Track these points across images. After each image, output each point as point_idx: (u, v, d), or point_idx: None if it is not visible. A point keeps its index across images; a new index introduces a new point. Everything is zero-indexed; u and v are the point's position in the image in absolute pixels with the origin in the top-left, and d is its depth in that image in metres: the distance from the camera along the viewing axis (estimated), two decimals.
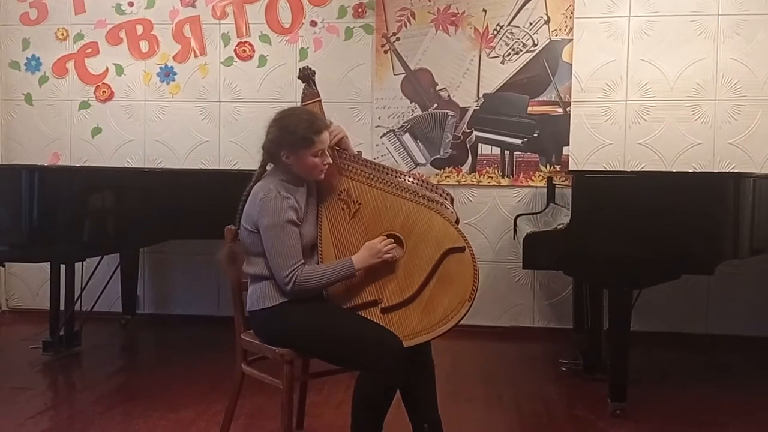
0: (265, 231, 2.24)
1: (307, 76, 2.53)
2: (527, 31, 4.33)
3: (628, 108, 4.29)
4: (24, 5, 4.72)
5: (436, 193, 2.39)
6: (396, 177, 2.42)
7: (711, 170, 4.18)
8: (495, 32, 4.36)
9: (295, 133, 2.27)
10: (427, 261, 2.28)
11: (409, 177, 2.44)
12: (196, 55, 4.61)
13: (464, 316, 2.23)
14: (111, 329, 4.40)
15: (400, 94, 4.45)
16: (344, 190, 2.42)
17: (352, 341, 2.19)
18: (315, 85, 2.54)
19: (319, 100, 2.52)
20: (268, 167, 2.41)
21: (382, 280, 2.29)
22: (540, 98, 4.34)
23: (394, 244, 2.29)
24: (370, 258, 2.27)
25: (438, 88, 4.42)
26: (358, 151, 2.51)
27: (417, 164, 4.45)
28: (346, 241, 2.36)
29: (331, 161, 2.36)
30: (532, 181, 4.37)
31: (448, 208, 2.36)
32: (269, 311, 2.29)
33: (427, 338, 2.23)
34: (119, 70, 4.67)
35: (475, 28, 4.37)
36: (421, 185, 2.41)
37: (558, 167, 4.30)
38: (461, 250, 2.27)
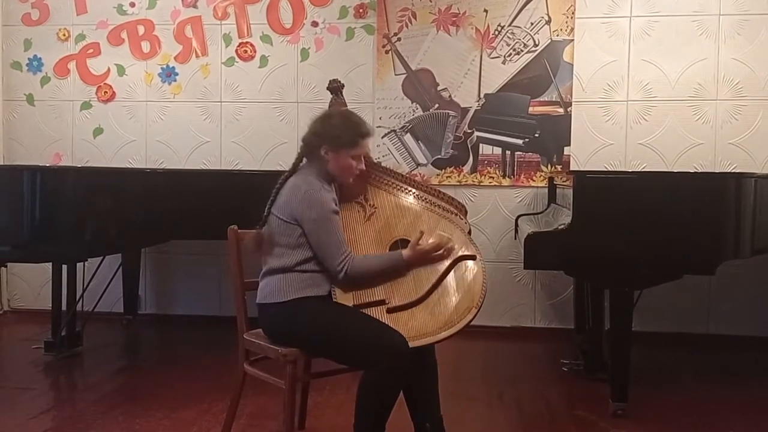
0: (314, 223, 2.27)
1: (336, 88, 2.64)
2: (528, 31, 4.34)
3: (630, 108, 4.29)
4: (26, 6, 4.72)
5: (451, 204, 2.47)
6: (411, 185, 2.50)
7: (712, 170, 4.18)
8: (496, 32, 4.36)
9: (342, 131, 2.34)
10: (437, 266, 2.31)
11: (424, 186, 2.52)
12: (197, 56, 4.62)
13: (470, 322, 2.24)
14: (113, 329, 4.41)
15: (402, 95, 4.45)
16: (362, 193, 2.48)
17: (357, 340, 2.20)
18: (342, 96, 2.64)
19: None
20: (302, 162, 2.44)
21: (391, 281, 2.31)
22: (541, 98, 4.34)
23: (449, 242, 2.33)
24: (420, 259, 2.31)
25: (439, 88, 4.42)
26: (377, 159, 2.58)
27: (418, 164, 4.45)
28: (359, 242, 2.40)
29: (364, 168, 2.41)
30: (534, 181, 4.37)
31: (461, 219, 2.44)
32: (279, 306, 2.30)
33: (431, 341, 2.23)
34: (121, 70, 4.68)
35: (476, 28, 4.37)
36: (437, 195, 2.49)
37: (559, 167, 4.30)
38: (472, 258, 2.33)
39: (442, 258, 2.32)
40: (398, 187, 2.48)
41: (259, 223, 2.38)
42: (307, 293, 2.30)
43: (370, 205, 2.45)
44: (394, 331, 2.19)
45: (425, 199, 2.47)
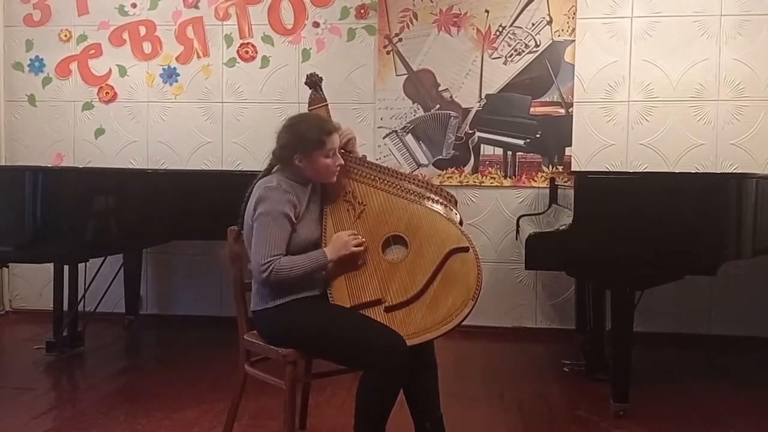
0: (258, 217, 2.25)
1: (314, 82, 2.60)
2: (529, 31, 4.33)
3: (631, 108, 4.29)
4: (27, 6, 4.73)
5: (440, 195, 2.43)
6: (400, 179, 2.45)
7: (713, 171, 4.18)
8: (497, 33, 4.36)
9: (307, 137, 2.30)
10: (431, 261, 2.29)
11: (413, 179, 2.47)
12: (198, 56, 4.63)
13: (468, 315, 2.24)
14: (114, 330, 4.41)
15: (403, 95, 4.45)
16: (350, 191, 2.45)
17: (355, 341, 2.20)
18: (321, 91, 2.60)
19: (326, 105, 2.57)
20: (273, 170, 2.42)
21: (386, 280, 2.30)
22: (542, 99, 4.34)
23: (361, 238, 2.33)
24: (340, 249, 2.30)
25: (440, 88, 4.42)
26: (362, 155, 2.55)
27: (419, 165, 4.45)
28: None
29: (342, 162, 2.39)
30: (535, 181, 4.37)
31: (452, 210, 2.40)
32: (273, 311, 2.30)
33: (430, 337, 2.24)
34: (122, 71, 4.69)
35: (477, 28, 4.38)
36: (425, 187, 2.44)
37: (560, 168, 4.30)
38: (465, 250, 2.30)
39: (360, 245, 2.31)
40: (385, 182, 2.44)
41: (237, 223, 2.41)
42: (301, 294, 2.30)
43: (358, 202, 2.42)
44: (392, 331, 2.20)
45: (414, 191, 2.42)
